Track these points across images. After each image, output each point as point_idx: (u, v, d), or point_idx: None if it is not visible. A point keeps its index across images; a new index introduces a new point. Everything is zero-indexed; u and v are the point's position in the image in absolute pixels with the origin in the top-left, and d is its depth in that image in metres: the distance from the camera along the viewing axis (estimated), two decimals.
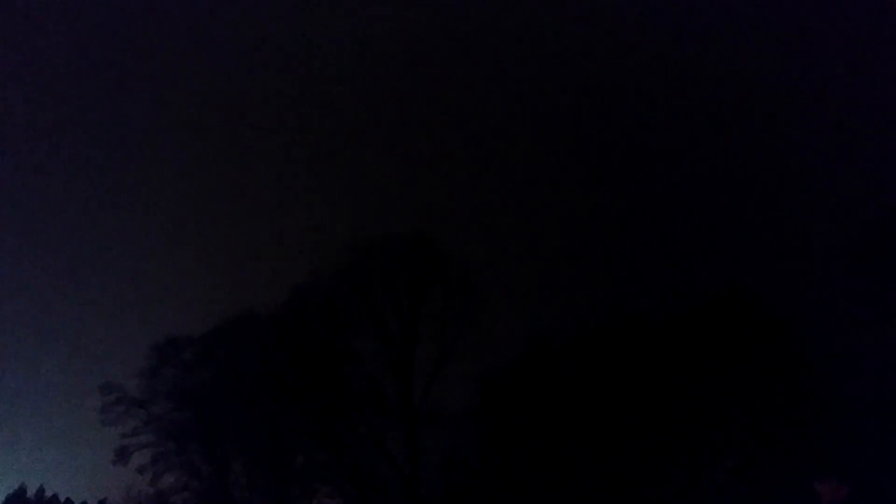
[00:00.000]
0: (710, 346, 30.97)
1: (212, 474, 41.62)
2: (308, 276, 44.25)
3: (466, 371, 42.40)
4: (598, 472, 30.93)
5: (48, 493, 44.66)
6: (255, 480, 42.26)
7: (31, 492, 44.30)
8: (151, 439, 41.27)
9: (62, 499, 45.69)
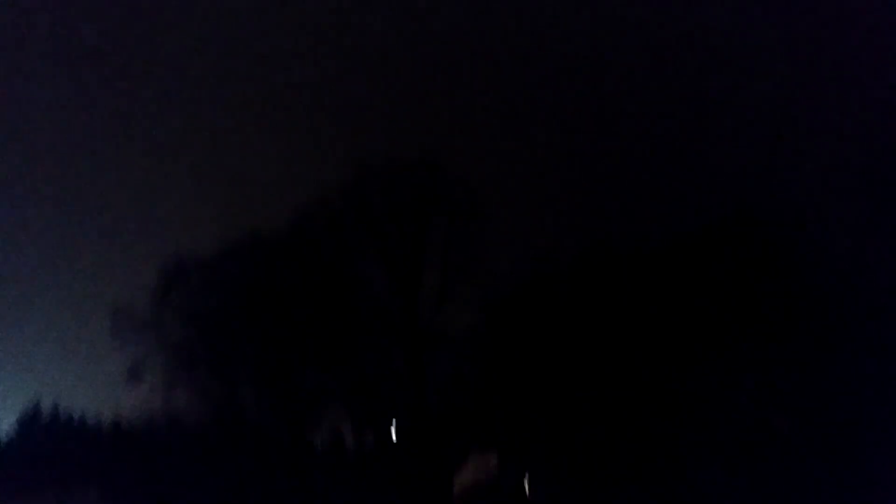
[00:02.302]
0: (717, 270, 31.10)
1: (222, 394, 42.38)
2: (314, 199, 44.28)
3: (472, 295, 42.91)
4: (600, 396, 31.35)
5: (62, 412, 45.50)
6: (265, 400, 43.09)
7: (45, 410, 45.20)
8: (162, 360, 41.83)
9: (76, 417, 46.70)
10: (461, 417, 37.25)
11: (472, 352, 42.18)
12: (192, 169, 70.43)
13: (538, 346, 37.51)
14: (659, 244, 35.88)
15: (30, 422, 44.23)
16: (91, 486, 43.95)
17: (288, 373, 42.72)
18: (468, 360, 42.46)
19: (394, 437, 40.64)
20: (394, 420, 40.53)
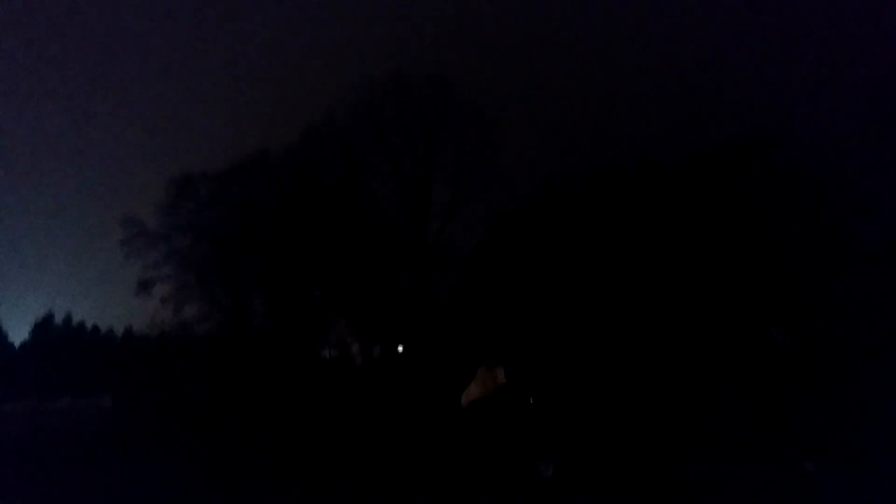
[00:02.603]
0: (728, 193, 30.82)
1: (232, 306, 42.97)
2: (323, 114, 43.94)
3: (479, 212, 42.96)
4: (608, 314, 31.45)
5: (75, 321, 46.25)
6: (274, 312, 43.69)
7: (58, 318, 46.00)
8: (173, 271, 42.36)
9: (88, 325, 47.61)
10: (468, 334, 37.78)
11: (479, 269, 42.39)
12: (201, 85, 69.74)
13: (546, 263, 37.64)
14: (669, 164, 35.53)
15: (43, 329, 44.95)
16: (103, 392, 45.12)
17: (296, 286, 43.18)
18: (475, 275, 42.71)
19: (399, 351, 41.32)
20: (400, 337, 41.06)
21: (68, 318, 45.73)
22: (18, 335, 44.82)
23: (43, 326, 45.25)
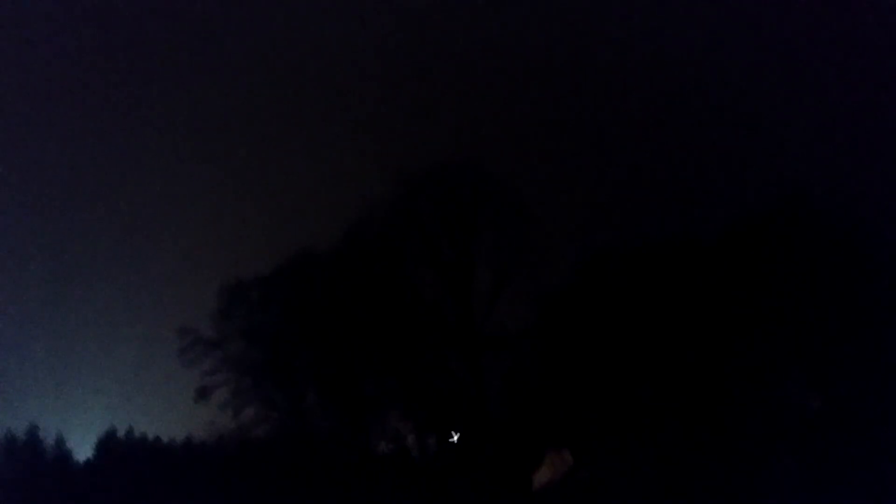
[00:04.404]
0: (772, 260, 30.85)
1: (288, 406, 43.43)
2: (363, 211, 45.04)
3: (524, 293, 43.21)
4: (658, 390, 31.32)
5: (137, 434, 47.09)
6: (329, 410, 44.01)
7: (120, 433, 46.84)
8: (229, 377, 43.06)
9: (150, 438, 48.34)
10: (526, 417, 37.60)
11: (528, 350, 42.40)
12: (243, 192, 72.14)
13: (593, 342, 37.70)
14: (708, 236, 35.77)
15: (106, 445, 45.77)
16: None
17: (350, 381, 43.57)
18: (524, 358, 42.69)
19: (455, 441, 41.04)
20: (455, 428, 40.83)
21: (130, 432, 46.75)
22: (83, 454, 45.73)
23: (106, 443, 46.17)
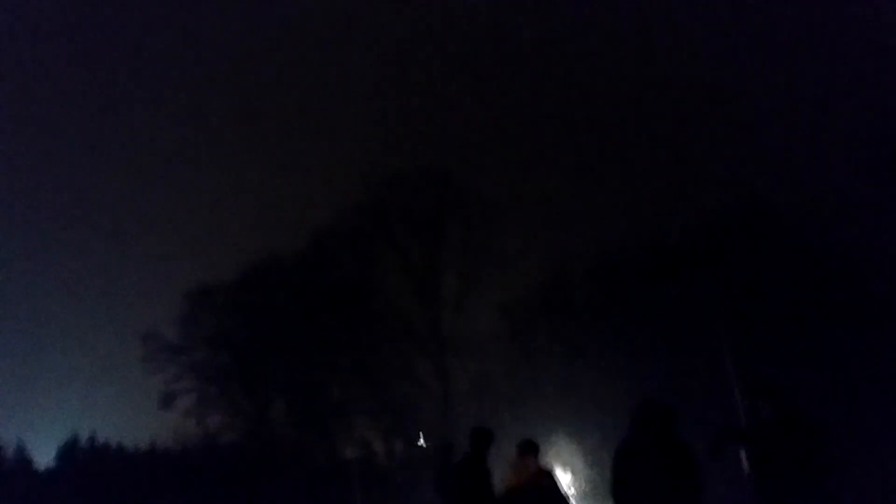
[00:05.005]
0: (731, 264, 31.46)
1: (254, 413, 43.27)
2: (330, 215, 45.11)
3: (491, 298, 43.53)
4: (623, 392, 31.73)
5: (100, 441, 46.34)
6: (296, 416, 43.90)
7: (83, 440, 46.05)
8: (194, 383, 42.83)
9: (113, 444, 47.54)
10: (487, 422, 37.83)
11: (495, 355, 42.64)
12: (208, 197, 71.66)
13: (559, 345, 38.12)
14: (672, 241, 36.38)
15: (69, 452, 45.09)
16: None
17: (317, 387, 43.55)
18: (491, 362, 42.95)
19: (422, 445, 41.15)
20: (422, 432, 40.92)
21: (93, 439, 45.94)
22: (44, 462, 44.90)
23: (68, 450, 45.36)
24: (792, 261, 30.78)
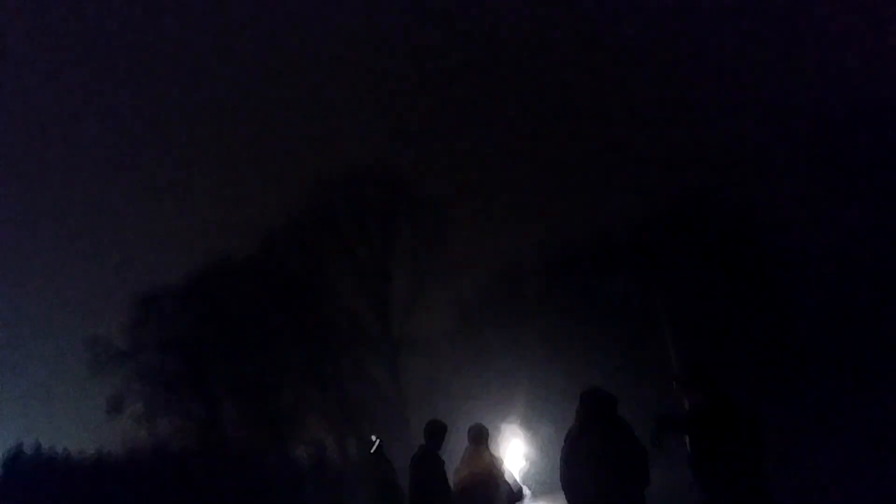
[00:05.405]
0: (680, 256, 32.27)
1: (205, 416, 42.87)
2: (279, 217, 45.01)
3: (441, 298, 43.98)
4: (572, 384, 32.26)
5: (45, 449, 45.39)
6: (247, 419, 43.66)
7: (28, 448, 45.05)
8: (143, 388, 42.23)
9: (60, 452, 46.57)
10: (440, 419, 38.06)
11: (446, 353, 43.04)
12: (156, 199, 70.53)
13: (512, 344, 38.63)
14: (623, 236, 37.10)
15: (13, 461, 44.11)
16: None
17: (268, 389, 43.36)
18: (442, 361, 43.31)
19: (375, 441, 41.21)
20: (375, 432, 41.05)
21: (38, 447, 44.95)
22: None
23: (12, 459, 44.36)
24: (732, 253, 31.70)
